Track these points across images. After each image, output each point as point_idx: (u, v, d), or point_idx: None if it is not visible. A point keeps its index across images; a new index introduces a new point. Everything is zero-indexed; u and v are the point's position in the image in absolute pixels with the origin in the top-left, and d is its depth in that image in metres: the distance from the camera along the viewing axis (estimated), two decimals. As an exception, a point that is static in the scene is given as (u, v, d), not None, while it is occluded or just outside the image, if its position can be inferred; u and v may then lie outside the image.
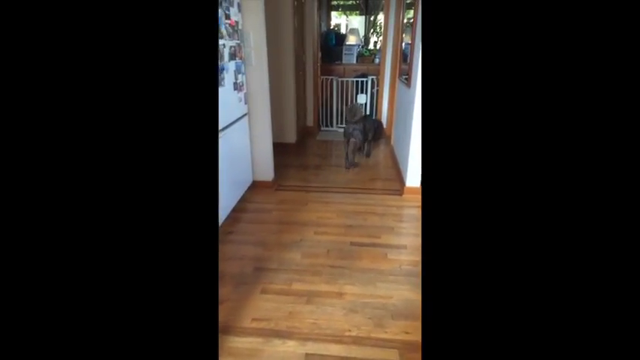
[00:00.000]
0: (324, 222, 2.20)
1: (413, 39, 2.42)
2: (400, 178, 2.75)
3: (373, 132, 3.47)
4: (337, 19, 6.57)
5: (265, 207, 2.40)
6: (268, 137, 2.64)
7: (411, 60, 2.47)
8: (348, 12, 6.65)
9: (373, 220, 2.21)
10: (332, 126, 4.50)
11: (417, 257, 1.82)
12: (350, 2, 6.51)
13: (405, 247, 1.92)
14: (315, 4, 3.96)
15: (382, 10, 6.16)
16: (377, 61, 5.39)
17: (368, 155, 3.55)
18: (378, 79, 4.22)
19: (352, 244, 1.95)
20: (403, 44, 3.05)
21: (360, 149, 3.47)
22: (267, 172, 2.70)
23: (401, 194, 2.57)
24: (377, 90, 4.29)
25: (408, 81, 2.58)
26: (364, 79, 4.29)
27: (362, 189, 2.69)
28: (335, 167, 3.18)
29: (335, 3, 6.39)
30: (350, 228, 2.12)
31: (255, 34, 2.35)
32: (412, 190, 2.53)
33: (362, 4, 6.18)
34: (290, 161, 3.31)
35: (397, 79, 3.31)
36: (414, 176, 2.52)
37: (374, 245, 1.94)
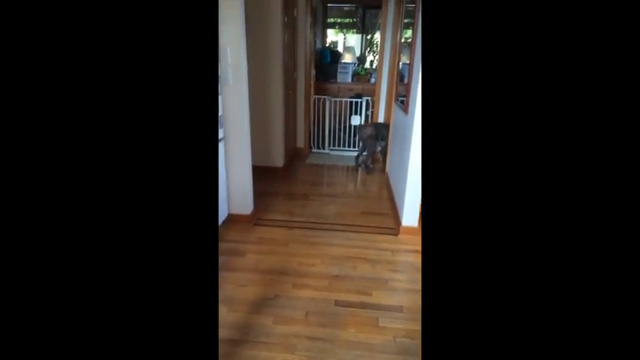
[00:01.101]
0: (306, 271, 1.86)
1: (411, 59, 2.16)
2: (395, 214, 2.43)
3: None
4: (334, 36, 6.41)
5: (239, 248, 2.06)
6: (247, 165, 2.32)
7: (409, 83, 2.20)
8: (345, 30, 6.50)
9: (364, 270, 1.88)
10: (324, 148, 4.21)
11: (415, 325, 1.48)
12: (347, 20, 6.37)
13: (400, 309, 1.59)
14: (309, 20, 3.74)
15: (379, 29, 6.07)
16: (373, 80, 5.18)
17: (368, 170, 3.52)
18: (373, 101, 3.97)
19: (337, 303, 1.61)
20: (400, 64, 2.80)
21: (365, 162, 3.49)
22: (244, 204, 2.38)
23: (396, 234, 2.25)
24: (372, 112, 4.03)
25: (405, 106, 2.30)
26: (359, 100, 4.03)
27: (353, 226, 2.36)
28: (325, 197, 2.86)
29: (331, 21, 6.24)
30: (336, 280, 1.78)
31: (233, 49, 2.07)
32: (409, 230, 2.21)
33: (359, 22, 6.02)
34: (275, 188, 2.99)
35: (394, 102, 3.04)
36: (411, 215, 2.20)
37: (363, 306, 1.60)
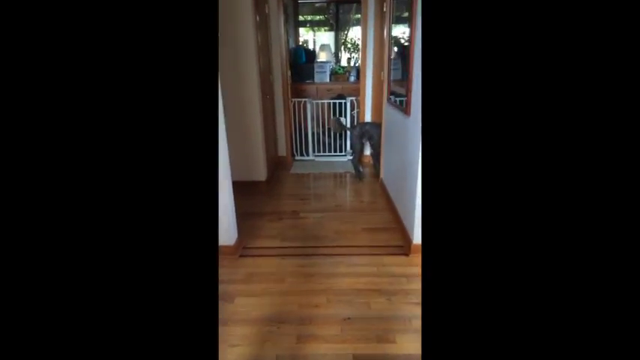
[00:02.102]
0: (311, 315, 1.53)
1: (411, 55, 1.88)
2: (402, 228, 2.15)
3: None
4: (305, 35, 6.09)
5: (226, 290, 1.70)
6: (227, 186, 1.96)
7: (410, 81, 1.92)
8: (316, 28, 6.19)
9: (380, 306, 1.57)
10: (308, 155, 3.88)
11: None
12: (318, 18, 6.07)
13: (434, 358, 1.29)
14: (282, 18, 3.40)
15: (354, 25, 5.82)
16: (352, 79, 4.93)
17: (360, 177, 3.24)
18: (358, 100, 3.68)
19: (356, 358, 1.30)
20: (392, 61, 2.52)
21: (355, 167, 3.28)
22: (227, 233, 2.01)
23: (407, 253, 1.97)
24: (358, 112, 3.75)
25: (406, 107, 2.01)
26: (342, 101, 3.74)
27: (356, 247, 2.05)
28: (318, 213, 2.54)
29: (302, 18, 5.92)
30: (349, 324, 1.47)
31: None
32: (420, 248, 1.93)
33: (332, 19, 5.74)
34: (259, 207, 2.63)
35: (385, 102, 2.76)
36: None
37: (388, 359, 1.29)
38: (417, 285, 1.71)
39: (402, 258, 1.94)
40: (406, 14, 2.11)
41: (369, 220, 2.41)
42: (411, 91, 1.92)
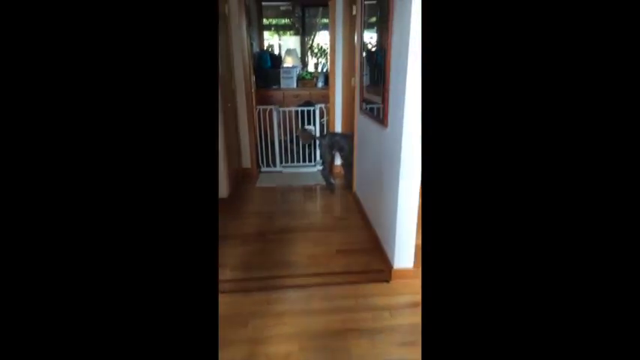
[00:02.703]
0: (281, 369, 1.27)
1: (388, 62, 1.69)
2: (379, 249, 1.96)
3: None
4: (270, 39, 5.84)
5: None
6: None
7: (386, 90, 1.73)
8: (281, 32, 5.96)
9: (362, 351, 1.35)
10: (275, 166, 3.62)
11: None
12: (283, 22, 5.85)
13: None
14: (244, 21, 3.13)
15: (321, 30, 5.66)
16: (320, 84, 4.75)
17: (332, 189, 3.04)
18: (327, 108, 3.49)
19: None
20: (365, 67, 2.33)
21: (326, 178, 3.07)
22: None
23: (388, 279, 1.77)
24: (327, 120, 3.55)
25: (383, 117, 1.83)
26: (311, 108, 3.52)
27: (331, 275, 1.82)
28: (288, 234, 2.29)
29: (267, 22, 5.67)
30: (327, 379, 1.23)
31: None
32: (403, 273, 1.75)
33: (298, 23, 5.54)
34: (221, 229, 2.33)
35: (358, 110, 2.58)
36: (404, 254, 1.74)
37: None
38: (402, 319, 1.51)
39: (383, 286, 1.73)
40: (374, 19, 1.94)
41: (344, 240, 2.20)
42: (387, 100, 1.74)
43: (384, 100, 1.76)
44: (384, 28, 1.75)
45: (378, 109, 1.92)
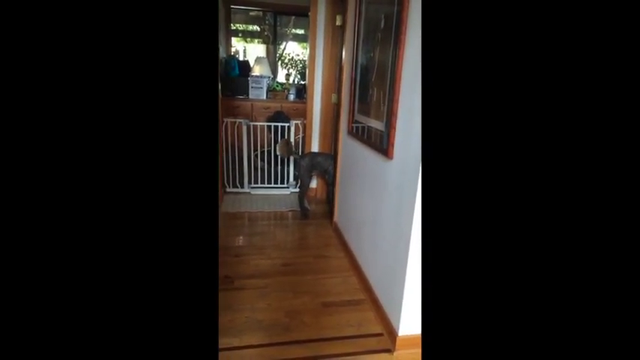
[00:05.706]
0: None
1: (397, 83, 1.39)
2: (373, 299, 1.61)
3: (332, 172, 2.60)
4: (237, 45, 5.41)
5: None
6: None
7: (394, 115, 1.42)
8: (249, 39, 5.57)
9: None
10: (242, 186, 3.17)
11: None
12: (251, 29, 5.46)
13: None
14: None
15: (292, 40, 5.35)
16: (292, 97, 4.41)
17: (307, 215, 2.73)
18: (304, 124, 3.13)
19: None
20: (357, 83, 2.02)
21: (301, 203, 2.75)
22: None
23: (391, 349, 1.42)
24: (303, 137, 3.19)
25: (387, 148, 1.51)
26: (285, 125, 3.15)
27: (317, 343, 1.44)
28: (259, 279, 1.86)
29: (235, 27, 5.24)
30: None
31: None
32: (412, 341, 1.41)
33: (268, 31, 5.18)
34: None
35: (345, 132, 2.26)
36: (412, 318, 1.41)
37: None
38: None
39: (385, 357, 1.38)
40: (374, 30, 1.65)
41: (329, 288, 1.82)
42: (394, 127, 1.42)
43: (391, 126, 1.44)
44: (389, 41, 1.46)
45: (379, 134, 1.60)
